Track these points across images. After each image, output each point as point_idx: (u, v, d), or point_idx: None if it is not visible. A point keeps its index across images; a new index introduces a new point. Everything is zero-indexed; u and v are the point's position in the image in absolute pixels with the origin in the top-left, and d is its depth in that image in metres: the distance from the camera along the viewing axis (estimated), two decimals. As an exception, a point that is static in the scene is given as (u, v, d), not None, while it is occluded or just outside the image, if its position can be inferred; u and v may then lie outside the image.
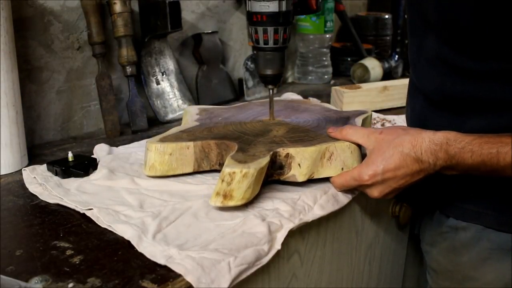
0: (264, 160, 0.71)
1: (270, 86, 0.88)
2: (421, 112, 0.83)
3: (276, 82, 0.88)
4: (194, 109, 0.98)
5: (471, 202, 0.78)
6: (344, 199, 0.78)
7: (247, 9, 0.84)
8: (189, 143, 0.79)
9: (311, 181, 0.77)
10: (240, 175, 0.68)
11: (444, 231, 0.83)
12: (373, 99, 1.23)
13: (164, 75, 1.21)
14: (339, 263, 0.86)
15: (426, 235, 0.89)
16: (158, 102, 1.19)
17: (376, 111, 1.20)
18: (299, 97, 1.28)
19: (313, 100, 1.21)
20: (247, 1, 0.83)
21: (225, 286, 0.57)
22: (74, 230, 0.68)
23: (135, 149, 0.94)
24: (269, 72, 0.86)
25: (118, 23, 1.06)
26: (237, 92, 1.38)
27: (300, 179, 0.75)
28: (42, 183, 0.80)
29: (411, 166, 0.71)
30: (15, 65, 0.87)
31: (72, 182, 0.80)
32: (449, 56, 0.74)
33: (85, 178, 0.82)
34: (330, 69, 1.59)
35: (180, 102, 1.22)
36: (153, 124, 1.15)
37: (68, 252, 0.62)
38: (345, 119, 0.89)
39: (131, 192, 0.76)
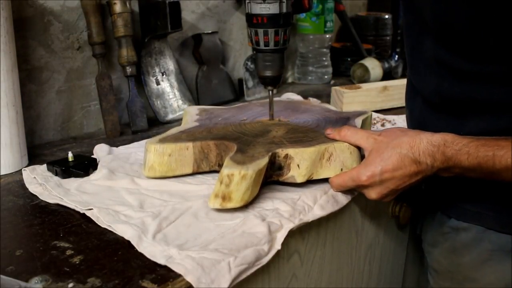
0: (263, 162, 0.71)
1: (269, 88, 0.88)
2: (420, 115, 0.83)
3: (276, 83, 0.88)
4: (194, 109, 0.98)
5: (472, 203, 0.78)
6: (344, 199, 0.78)
7: (247, 11, 0.83)
8: (188, 143, 0.79)
9: (311, 181, 0.77)
10: (238, 177, 0.68)
11: (445, 232, 0.83)
12: (373, 99, 1.23)
13: (164, 75, 1.21)
14: (339, 263, 0.86)
15: (427, 236, 0.89)
16: (158, 102, 1.19)
17: (376, 111, 1.20)
18: (299, 97, 1.28)
19: (313, 101, 1.21)
20: (246, 3, 0.83)
21: (225, 286, 0.57)
22: (74, 230, 0.68)
23: (135, 149, 0.94)
24: (269, 73, 0.86)
25: (118, 23, 1.06)
26: (237, 92, 1.38)
27: (299, 180, 0.75)
28: (42, 183, 0.80)
29: (409, 167, 0.71)
30: (15, 65, 0.87)
31: (72, 182, 0.80)
32: (446, 58, 0.74)
33: (85, 178, 0.82)
34: (330, 69, 1.59)
35: (180, 102, 1.22)
36: (153, 124, 1.15)
37: (68, 252, 0.62)
38: (345, 119, 0.89)
39: (131, 192, 0.76)
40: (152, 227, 0.66)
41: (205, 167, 0.80)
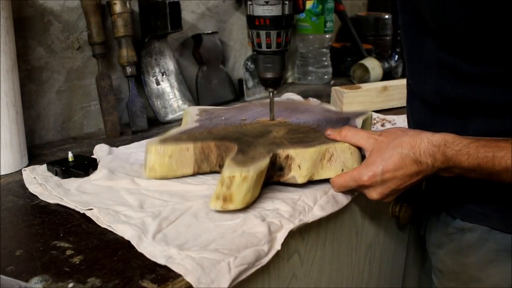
0: (264, 162, 0.71)
1: (270, 89, 0.88)
2: (420, 117, 0.83)
3: (277, 85, 0.87)
4: (194, 109, 0.98)
5: (477, 203, 0.78)
6: (344, 199, 0.78)
7: (249, 13, 0.83)
8: (188, 144, 0.78)
9: (311, 182, 0.77)
10: (239, 179, 0.68)
11: (451, 232, 0.82)
12: (373, 99, 1.23)
13: (164, 76, 1.21)
14: (339, 263, 0.86)
15: (432, 237, 0.88)
16: (158, 102, 1.19)
17: (376, 111, 1.20)
18: (299, 97, 1.28)
19: (313, 101, 1.21)
20: (248, 5, 0.82)
21: (225, 286, 0.57)
22: (74, 230, 0.68)
23: (135, 150, 0.94)
24: (270, 75, 0.86)
25: (118, 23, 1.06)
26: (237, 93, 1.38)
27: (300, 180, 0.75)
28: (42, 183, 0.80)
29: (410, 167, 0.70)
30: (15, 65, 0.87)
31: (72, 182, 0.80)
32: (448, 60, 0.74)
33: (85, 178, 0.82)
34: (330, 69, 1.59)
35: (180, 102, 1.22)
36: (153, 124, 1.15)
37: (68, 252, 0.62)
38: (345, 120, 0.89)
39: (131, 192, 0.76)
40: (152, 227, 0.66)
41: (205, 168, 0.80)
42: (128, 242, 0.64)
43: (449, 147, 0.68)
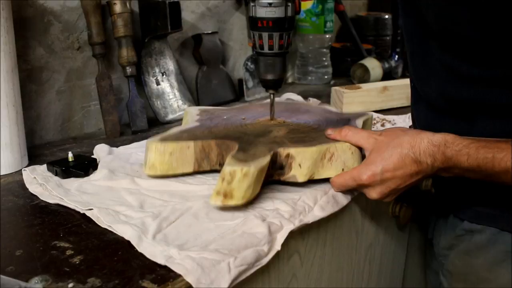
0: (265, 159, 0.71)
1: (271, 91, 0.88)
2: (426, 121, 0.83)
3: (278, 86, 0.87)
4: (195, 110, 0.98)
5: (485, 205, 0.78)
6: (344, 200, 0.78)
7: (251, 15, 0.82)
8: (189, 142, 0.79)
9: (311, 182, 0.77)
10: (240, 174, 0.68)
11: (459, 234, 0.82)
12: (373, 99, 1.23)
13: (164, 76, 1.21)
14: (339, 263, 0.86)
15: (441, 239, 0.88)
16: (158, 102, 1.19)
17: (376, 111, 1.20)
18: (299, 98, 1.28)
19: (313, 101, 1.21)
20: (251, 6, 0.82)
21: (225, 286, 0.57)
22: (74, 230, 0.68)
23: (135, 150, 0.94)
24: (271, 77, 0.86)
25: (118, 23, 1.06)
26: (237, 93, 1.38)
27: (301, 179, 0.75)
28: (42, 183, 0.80)
29: (409, 167, 0.70)
30: (15, 65, 0.87)
31: (72, 182, 0.80)
32: (452, 63, 0.73)
33: (85, 179, 0.82)
34: (330, 70, 1.59)
35: (180, 102, 1.22)
36: (153, 124, 1.15)
37: (68, 252, 0.62)
38: (345, 121, 0.89)
39: (131, 193, 0.76)
40: (152, 227, 0.66)
41: (206, 166, 0.80)
42: (128, 242, 0.64)
43: (449, 147, 0.68)
